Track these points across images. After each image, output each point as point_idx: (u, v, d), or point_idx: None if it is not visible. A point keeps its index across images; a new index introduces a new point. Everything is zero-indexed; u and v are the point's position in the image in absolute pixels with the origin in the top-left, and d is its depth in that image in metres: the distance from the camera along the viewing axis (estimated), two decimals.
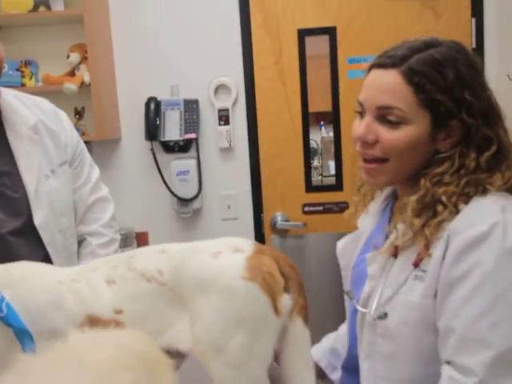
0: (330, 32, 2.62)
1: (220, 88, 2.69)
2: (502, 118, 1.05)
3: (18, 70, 2.70)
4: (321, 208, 2.68)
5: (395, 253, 1.04)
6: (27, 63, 2.72)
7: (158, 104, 2.67)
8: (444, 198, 0.99)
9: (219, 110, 2.67)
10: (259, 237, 2.74)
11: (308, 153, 2.70)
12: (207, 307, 0.94)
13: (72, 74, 2.65)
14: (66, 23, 2.64)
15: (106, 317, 0.98)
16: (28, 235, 1.32)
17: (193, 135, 2.65)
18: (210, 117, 2.70)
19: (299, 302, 1.00)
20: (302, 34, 2.63)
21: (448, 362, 0.93)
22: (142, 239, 2.80)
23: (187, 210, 2.70)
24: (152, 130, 2.65)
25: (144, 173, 2.76)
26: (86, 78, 2.56)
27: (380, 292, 1.04)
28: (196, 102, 2.67)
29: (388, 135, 1.01)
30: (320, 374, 1.22)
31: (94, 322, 0.98)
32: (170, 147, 2.73)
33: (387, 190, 1.19)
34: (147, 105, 2.66)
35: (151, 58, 2.71)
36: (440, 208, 0.99)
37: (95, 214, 1.51)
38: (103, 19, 2.67)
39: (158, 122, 2.66)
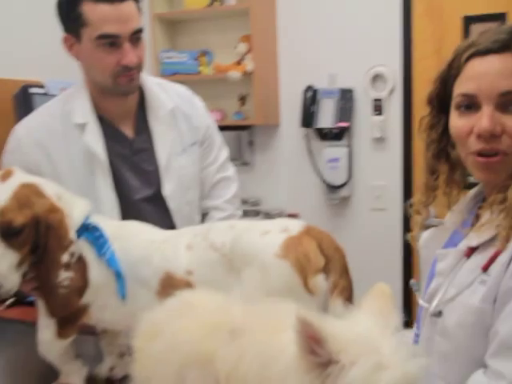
0: (500, 19, 2.43)
1: (376, 78, 2.68)
2: None
3: (196, 59, 3.02)
4: None
5: (468, 253, 1.01)
6: (204, 53, 3.02)
7: (314, 92, 2.77)
8: None
9: (374, 100, 2.68)
10: (407, 230, 2.68)
11: None
12: (248, 279, 1.05)
13: (239, 62, 2.88)
14: (237, 16, 2.87)
15: (179, 275, 1.14)
16: (157, 204, 1.53)
17: (345, 124, 2.70)
18: (364, 106, 2.72)
19: (340, 283, 1.04)
20: (468, 21, 2.50)
21: (484, 366, 0.90)
22: None
23: (335, 196, 2.77)
24: (307, 118, 2.76)
25: (298, 158, 2.90)
26: (249, 67, 2.76)
27: (444, 290, 1.01)
28: (351, 91, 2.71)
29: None
30: None
31: (169, 277, 1.14)
32: (324, 134, 2.82)
33: (474, 190, 1.14)
34: (305, 93, 2.78)
35: (312, 48, 2.82)
36: None
37: (219, 191, 1.67)
38: (269, 12, 2.85)
39: (313, 110, 2.76)
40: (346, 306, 1.02)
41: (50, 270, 1.11)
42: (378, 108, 2.67)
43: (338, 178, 2.74)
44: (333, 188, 2.76)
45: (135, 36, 1.39)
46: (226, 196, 1.67)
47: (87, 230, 1.18)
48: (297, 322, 0.65)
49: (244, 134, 2.94)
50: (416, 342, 1.14)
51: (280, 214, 2.89)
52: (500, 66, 0.94)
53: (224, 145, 1.74)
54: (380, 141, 2.71)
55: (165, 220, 1.53)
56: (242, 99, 2.88)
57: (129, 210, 1.48)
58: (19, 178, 1.12)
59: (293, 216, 2.95)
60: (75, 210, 1.18)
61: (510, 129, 0.93)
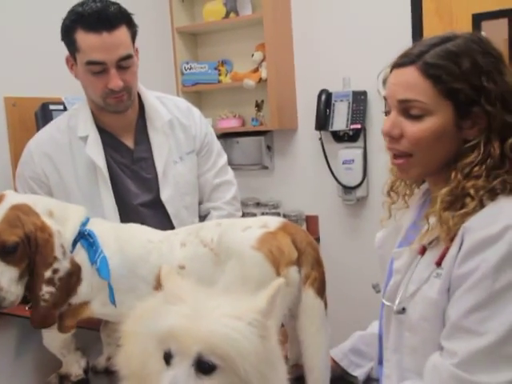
0: (509, 15, 2.43)
1: None
2: None
3: (215, 68, 3.14)
4: None
5: (422, 251, 1.07)
6: (223, 63, 3.14)
7: (329, 96, 2.84)
8: (472, 192, 0.99)
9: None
10: None
11: None
12: (229, 270, 1.14)
13: (256, 70, 2.98)
14: (252, 26, 2.97)
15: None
16: (156, 208, 1.65)
17: (358, 125, 2.75)
18: (378, 107, 2.76)
19: (312, 274, 1.11)
20: (478, 18, 2.50)
21: (440, 349, 0.96)
22: (312, 222, 3.01)
23: (351, 197, 2.82)
24: (322, 121, 2.83)
25: (315, 161, 2.96)
26: (264, 74, 2.85)
27: (404, 287, 1.07)
28: (364, 93, 2.76)
29: (412, 128, 1.03)
30: (343, 372, 1.28)
31: None
32: (339, 137, 2.87)
33: (425, 185, 1.19)
34: (319, 97, 2.85)
35: (326, 52, 2.89)
36: (468, 200, 0.99)
37: (219, 194, 1.77)
38: (284, 21, 2.93)
39: (328, 113, 2.82)
40: (318, 295, 1.11)
41: (35, 283, 1.21)
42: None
43: (353, 179, 2.79)
44: (349, 189, 2.81)
45: (122, 62, 1.50)
46: (225, 198, 1.77)
47: (83, 236, 1.29)
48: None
49: (263, 140, 3.04)
50: (380, 339, 1.20)
51: (299, 216, 2.97)
52: (402, 78, 1.05)
53: (222, 151, 1.84)
54: None
55: (164, 223, 1.64)
56: (258, 106, 2.98)
57: (129, 215, 1.60)
58: (11, 200, 1.23)
59: (312, 218, 3.02)
60: (70, 220, 1.29)
61: (407, 133, 1.04)
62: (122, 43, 1.50)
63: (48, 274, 1.21)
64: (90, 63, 1.48)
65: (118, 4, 1.53)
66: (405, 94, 1.04)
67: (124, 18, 1.51)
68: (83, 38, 1.47)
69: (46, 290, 1.21)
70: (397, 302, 1.07)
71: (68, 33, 1.50)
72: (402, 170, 1.10)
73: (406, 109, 1.04)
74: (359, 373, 1.26)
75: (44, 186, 1.59)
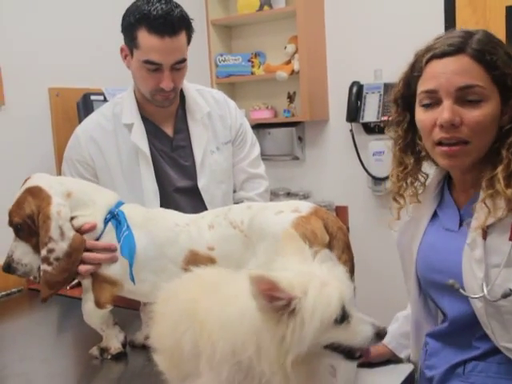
0: None
1: None
2: None
3: (249, 60, 3.20)
4: None
5: (484, 235, 1.06)
6: (257, 55, 3.20)
7: (360, 88, 2.87)
8: None
9: None
10: None
11: None
12: (262, 251, 1.19)
13: (289, 62, 3.03)
14: (286, 18, 3.02)
15: (202, 252, 1.29)
16: (192, 195, 1.73)
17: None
18: None
19: (342, 257, 1.16)
20: (511, 10, 2.49)
21: None
22: (341, 212, 3.05)
23: (381, 188, 2.85)
24: (353, 112, 2.86)
25: (345, 152, 3.00)
26: (296, 66, 2.90)
27: (491, 273, 1.05)
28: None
29: (472, 114, 1.05)
30: (391, 355, 1.32)
31: (193, 255, 1.30)
32: (370, 128, 2.90)
33: (437, 177, 1.22)
34: (350, 89, 2.88)
35: (358, 44, 2.91)
36: None
37: (253, 184, 1.84)
38: (317, 13, 2.97)
39: (359, 105, 2.86)
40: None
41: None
42: None
43: (383, 171, 2.81)
44: (378, 180, 2.84)
45: (177, 65, 1.59)
46: (258, 190, 1.84)
47: (114, 216, 1.38)
48: (251, 280, 0.80)
49: (294, 131, 3.09)
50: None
51: (329, 207, 3.01)
52: (455, 65, 1.06)
53: (257, 143, 1.90)
54: None
55: (199, 209, 1.71)
56: (290, 97, 3.03)
57: (167, 200, 1.69)
58: (30, 183, 1.34)
59: (342, 209, 3.07)
60: (97, 202, 1.38)
61: (467, 120, 1.05)
62: (180, 48, 1.57)
63: (43, 252, 1.29)
64: (147, 62, 1.56)
65: (180, 7, 1.59)
66: (464, 80, 1.05)
67: (185, 24, 1.58)
68: (145, 38, 1.54)
69: (42, 268, 1.30)
70: (485, 291, 1.05)
71: (130, 28, 1.57)
72: (457, 158, 1.09)
73: (463, 96, 1.06)
74: (405, 354, 1.30)
75: (90, 169, 1.68)
